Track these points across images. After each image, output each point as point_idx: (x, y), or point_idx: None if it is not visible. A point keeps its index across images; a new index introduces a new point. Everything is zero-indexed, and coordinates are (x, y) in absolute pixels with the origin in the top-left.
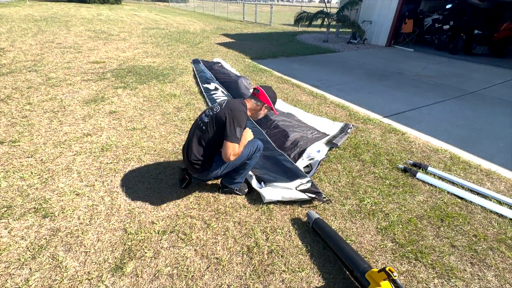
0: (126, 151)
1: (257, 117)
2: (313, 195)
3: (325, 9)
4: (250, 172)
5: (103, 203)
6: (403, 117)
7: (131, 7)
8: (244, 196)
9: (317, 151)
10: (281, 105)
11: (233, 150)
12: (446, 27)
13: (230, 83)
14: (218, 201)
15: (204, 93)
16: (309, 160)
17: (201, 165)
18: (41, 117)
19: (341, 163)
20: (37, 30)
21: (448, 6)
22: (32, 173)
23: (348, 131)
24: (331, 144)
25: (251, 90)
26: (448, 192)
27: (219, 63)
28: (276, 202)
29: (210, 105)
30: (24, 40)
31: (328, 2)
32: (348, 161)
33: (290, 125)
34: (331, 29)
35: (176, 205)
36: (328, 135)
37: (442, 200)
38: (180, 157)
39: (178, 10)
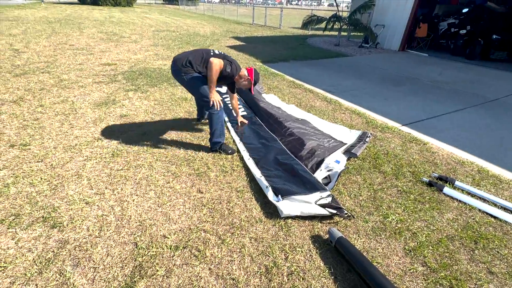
0: (137, 157)
1: (239, 84)
2: (334, 211)
3: (337, 13)
4: (265, 182)
5: (113, 213)
6: (423, 126)
7: (142, 10)
8: (260, 209)
9: (335, 161)
10: (295, 111)
11: (218, 65)
12: (462, 31)
13: None
14: (232, 214)
15: None
16: (328, 171)
17: (185, 67)
18: (52, 120)
19: (361, 174)
20: (51, 31)
21: (465, 10)
22: (41, 179)
23: (366, 140)
24: (349, 154)
25: (262, 93)
26: (479, 210)
27: None
28: (294, 217)
29: None
30: (38, 41)
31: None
32: (368, 172)
33: (306, 132)
34: (343, 33)
35: (188, 217)
36: (346, 144)
37: (473, 218)
38: (192, 164)
39: (188, 13)
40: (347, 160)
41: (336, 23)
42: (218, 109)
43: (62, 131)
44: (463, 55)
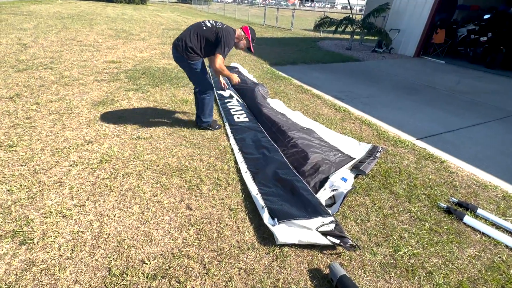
0: (126, 165)
1: (238, 46)
2: (337, 240)
3: (350, 15)
4: (261, 202)
5: (90, 229)
6: (439, 141)
7: (155, 8)
8: (253, 232)
9: (341, 178)
10: (300, 118)
11: (221, 60)
12: (483, 39)
13: (246, 91)
14: (222, 237)
15: (218, 101)
16: (333, 190)
17: (189, 53)
18: (45, 119)
19: (370, 195)
20: (61, 27)
21: (486, 16)
22: (21, 185)
23: (377, 155)
24: (357, 170)
25: (267, 98)
26: (506, 246)
27: (236, 68)
28: (291, 245)
29: (223, 114)
30: (47, 36)
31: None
32: (377, 193)
33: (310, 144)
34: (355, 37)
35: (173, 239)
36: (354, 158)
37: (500, 257)
38: (184, 175)
39: (200, 12)
40: (354, 178)
41: (349, 26)
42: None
43: (53, 132)
44: (483, 64)
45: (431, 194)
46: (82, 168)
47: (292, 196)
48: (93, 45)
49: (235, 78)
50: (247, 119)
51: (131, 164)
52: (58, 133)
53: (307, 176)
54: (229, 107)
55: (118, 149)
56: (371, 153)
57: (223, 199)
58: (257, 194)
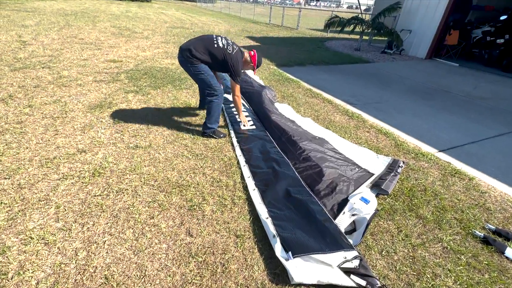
0: (121, 179)
1: (243, 69)
2: (363, 282)
3: (359, 15)
4: (272, 229)
5: (75, 261)
6: (464, 153)
7: (160, 5)
8: (263, 267)
9: (361, 198)
10: (311, 126)
11: (237, 90)
12: (500, 41)
13: (252, 94)
14: (227, 273)
15: (223, 105)
16: (353, 215)
17: (194, 61)
18: (37, 124)
19: (394, 219)
20: (64, 24)
21: (503, 17)
22: (1, 203)
23: (398, 171)
24: (378, 189)
25: (275, 102)
26: None
27: None
28: (309, 285)
29: (228, 121)
30: (48, 34)
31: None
32: (403, 217)
33: (324, 157)
34: (364, 37)
35: (170, 274)
36: (373, 174)
37: None
38: (185, 192)
39: (204, 10)
40: (375, 196)
41: (358, 26)
42: (246, 125)
43: (44, 139)
44: (499, 67)
45: (463, 219)
46: (72, 183)
47: (307, 222)
48: (95, 43)
49: (244, 120)
50: (254, 127)
51: (127, 178)
52: (49, 141)
53: (322, 197)
54: (235, 112)
55: (114, 159)
56: (392, 168)
57: (228, 223)
58: (267, 218)
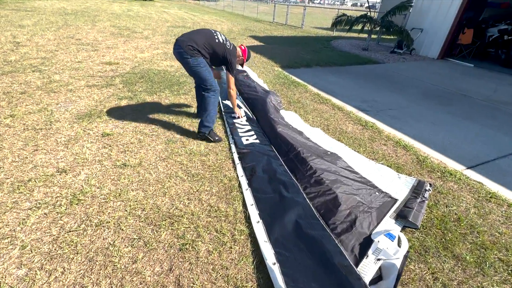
0: (103, 207)
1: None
2: None
3: (368, 13)
4: (281, 283)
5: None
6: (495, 170)
7: (162, 4)
8: None
9: (386, 234)
10: (321, 138)
11: (233, 83)
12: None
13: (256, 101)
14: None
15: (223, 113)
16: (378, 259)
17: (194, 53)
18: (17, 138)
19: (426, 261)
20: (62, 24)
21: None
22: None
23: (425, 196)
24: (405, 221)
25: (281, 110)
26: None
27: (244, 71)
28: None
29: (228, 132)
30: (44, 34)
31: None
32: (436, 258)
33: (339, 179)
34: (372, 36)
35: None
36: (396, 200)
37: None
38: (177, 225)
39: (207, 8)
40: (401, 230)
41: (367, 24)
42: (241, 118)
43: (21, 156)
44: None
45: (510, 262)
46: (45, 213)
47: (324, 271)
48: (92, 44)
49: (239, 112)
50: (257, 140)
51: (110, 207)
52: (26, 158)
53: (340, 233)
54: (237, 124)
55: (97, 182)
56: (417, 192)
57: (227, 269)
58: (274, 264)
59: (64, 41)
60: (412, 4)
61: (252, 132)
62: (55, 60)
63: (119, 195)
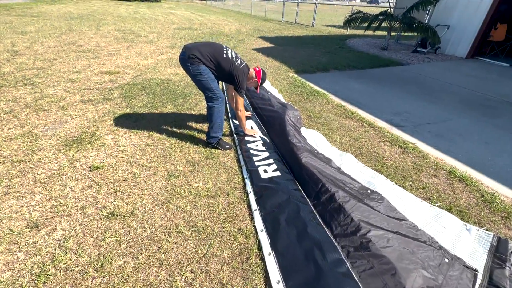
0: (80, 283)
1: (247, 85)
2: None
3: (388, 10)
4: None
5: None
6: None
7: (169, 5)
8: None
9: None
10: (355, 169)
11: (241, 104)
12: None
13: (272, 119)
14: None
15: (234, 135)
16: None
17: (196, 62)
18: None
19: None
20: (66, 29)
21: None
22: None
23: (511, 261)
24: None
25: (301, 128)
26: None
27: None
28: None
29: (242, 162)
30: (45, 41)
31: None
32: None
33: (391, 237)
34: (392, 33)
35: None
36: (476, 272)
37: None
38: None
39: (214, 9)
40: None
41: (386, 21)
42: (254, 135)
43: None
44: None
45: None
46: None
47: None
48: (93, 51)
49: (251, 132)
50: (278, 173)
51: (84, 286)
52: None
53: None
54: (251, 150)
55: (75, 243)
56: (501, 258)
57: None
58: None
59: (64, 48)
60: None
61: (271, 161)
62: (51, 71)
63: (101, 266)
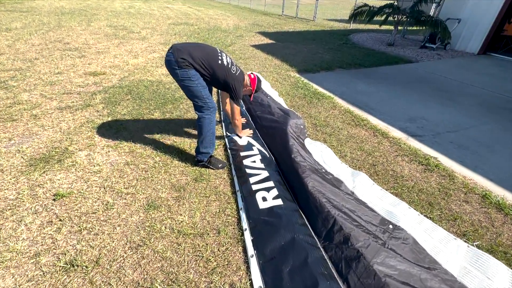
0: None
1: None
2: None
3: (395, 3)
4: None
5: None
6: None
7: None
8: None
9: None
10: (372, 194)
11: (237, 113)
12: None
13: (272, 130)
14: None
15: (228, 150)
16: None
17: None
18: None
19: None
20: (54, 25)
21: None
22: None
23: None
24: None
25: (305, 140)
26: None
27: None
28: None
29: (237, 187)
30: (29, 38)
31: None
32: None
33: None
34: (399, 27)
35: None
36: None
37: None
38: None
39: (212, 2)
40: None
41: (392, 15)
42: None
43: None
44: None
45: None
46: None
47: None
48: (80, 49)
49: (245, 133)
50: (280, 201)
51: None
52: None
53: None
54: (247, 168)
55: None
56: None
57: None
58: None
59: (49, 46)
60: None
61: (271, 183)
62: (30, 72)
63: None
